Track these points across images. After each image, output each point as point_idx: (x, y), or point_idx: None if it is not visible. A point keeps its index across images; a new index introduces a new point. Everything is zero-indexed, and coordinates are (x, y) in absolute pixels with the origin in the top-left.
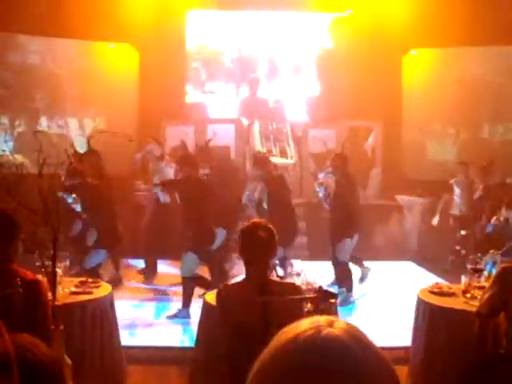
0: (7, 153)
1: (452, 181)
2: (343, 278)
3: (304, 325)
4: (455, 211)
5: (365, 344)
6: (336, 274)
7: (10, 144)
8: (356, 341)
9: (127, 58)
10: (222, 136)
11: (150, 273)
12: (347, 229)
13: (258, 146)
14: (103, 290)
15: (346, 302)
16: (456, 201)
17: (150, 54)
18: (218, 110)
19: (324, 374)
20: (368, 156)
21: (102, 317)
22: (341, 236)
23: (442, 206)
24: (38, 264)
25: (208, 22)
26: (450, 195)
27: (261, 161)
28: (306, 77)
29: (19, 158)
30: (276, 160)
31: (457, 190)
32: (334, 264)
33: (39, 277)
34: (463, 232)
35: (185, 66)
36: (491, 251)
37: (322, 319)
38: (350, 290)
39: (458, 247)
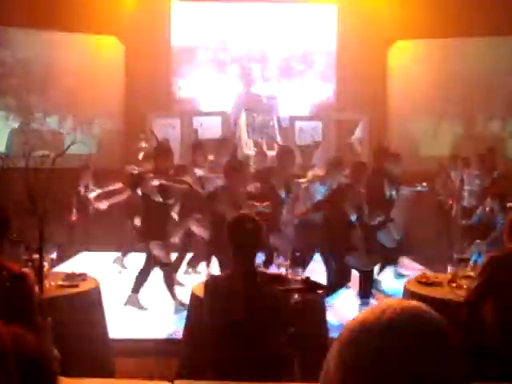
0: None
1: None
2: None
3: (380, 305)
4: (464, 202)
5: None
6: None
7: None
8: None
9: (112, 50)
10: (209, 129)
11: None
12: None
13: (245, 138)
14: (90, 283)
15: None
16: (466, 192)
17: (136, 46)
18: (208, 104)
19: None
20: (355, 149)
21: (89, 310)
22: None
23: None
24: (24, 257)
25: (195, 14)
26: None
27: None
28: (293, 70)
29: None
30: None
31: (468, 182)
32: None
33: (26, 270)
34: (464, 222)
35: (170, 57)
36: (477, 241)
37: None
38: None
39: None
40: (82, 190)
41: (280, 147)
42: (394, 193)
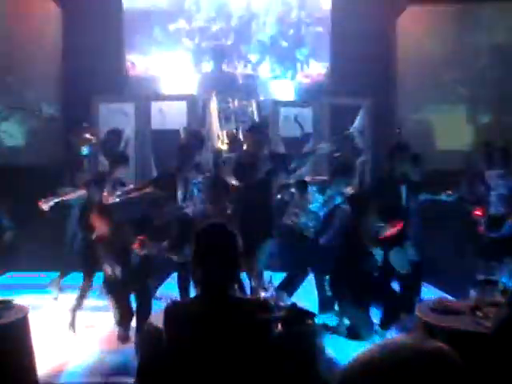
0: None
1: (487, 173)
2: None
3: (388, 344)
4: (491, 210)
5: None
6: None
7: None
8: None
9: (46, 15)
10: (172, 116)
11: None
12: None
13: (217, 128)
14: (16, 312)
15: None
16: (493, 198)
17: (76, 11)
18: (170, 86)
19: None
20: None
21: (14, 343)
22: None
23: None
24: None
25: None
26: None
27: None
28: (277, 43)
29: None
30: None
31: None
32: None
33: None
34: (492, 234)
35: (121, 25)
36: (507, 259)
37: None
38: None
39: None
40: None
41: None
42: (412, 204)
